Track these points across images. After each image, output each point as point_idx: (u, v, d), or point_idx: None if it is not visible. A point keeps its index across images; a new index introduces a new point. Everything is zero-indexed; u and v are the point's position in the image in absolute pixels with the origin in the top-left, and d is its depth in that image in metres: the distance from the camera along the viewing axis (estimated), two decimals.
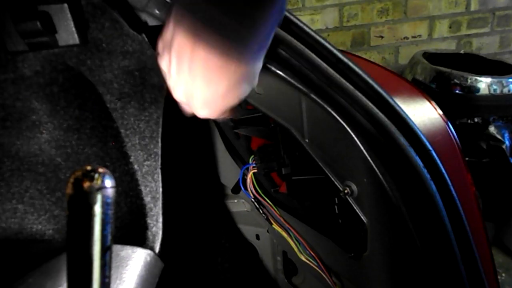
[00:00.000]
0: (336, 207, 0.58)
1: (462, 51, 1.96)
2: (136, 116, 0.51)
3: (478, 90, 1.56)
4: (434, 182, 0.48)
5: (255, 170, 0.64)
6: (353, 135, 0.46)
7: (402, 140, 0.47)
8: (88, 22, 0.47)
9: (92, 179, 0.24)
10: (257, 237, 0.84)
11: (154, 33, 0.49)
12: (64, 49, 0.48)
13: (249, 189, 0.67)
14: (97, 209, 0.25)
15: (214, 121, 0.69)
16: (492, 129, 1.58)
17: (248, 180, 0.66)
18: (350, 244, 0.56)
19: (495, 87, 1.56)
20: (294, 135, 0.53)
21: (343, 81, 0.47)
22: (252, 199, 0.67)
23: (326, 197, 0.59)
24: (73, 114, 0.50)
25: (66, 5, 0.45)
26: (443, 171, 0.49)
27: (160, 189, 0.52)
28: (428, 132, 0.60)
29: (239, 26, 0.36)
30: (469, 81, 1.57)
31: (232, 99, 0.42)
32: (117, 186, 0.49)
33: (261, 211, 0.68)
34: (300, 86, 0.47)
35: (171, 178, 0.55)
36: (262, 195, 0.66)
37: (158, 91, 0.50)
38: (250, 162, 0.65)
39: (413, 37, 2.13)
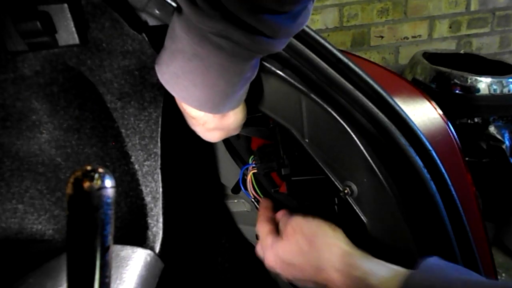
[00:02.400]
0: (336, 207, 0.58)
1: (462, 51, 1.96)
2: (136, 116, 0.51)
3: (478, 90, 1.56)
4: (434, 182, 0.48)
5: (255, 170, 0.64)
6: (353, 135, 0.46)
7: (402, 140, 0.47)
8: (88, 22, 0.47)
9: (92, 179, 0.24)
10: (257, 237, 0.84)
11: (154, 33, 0.49)
12: (64, 49, 0.48)
13: (249, 189, 0.67)
14: (97, 209, 0.25)
15: None
16: (492, 129, 1.58)
17: (248, 180, 0.66)
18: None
19: (495, 87, 1.56)
20: (294, 135, 0.53)
21: (343, 81, 0.47)
22: (252, 199, 0.67)
23: (326, 197, 0.59)
24: (73, 114, 0.50)
25: (66, 5, 0.45)
26: (443, 171, 0.49)
27: (160, 189, 0.52)
28: (428, 132, 0.60)
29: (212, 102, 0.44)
30: (469, 81, 1.57)
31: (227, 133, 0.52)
32: (117, 186, 0.49)
33: None
34: (300, 86, 0.47)
35: (171, 178, 0.55)
36: (261, 195, 0.66)
37: (158, 90, 0.50)
38: (250, 162, 0.65)
39: (413, 37, 2.13)
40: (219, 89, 0.42)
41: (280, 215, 0.59)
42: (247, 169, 0.66)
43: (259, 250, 0.59)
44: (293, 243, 0.51)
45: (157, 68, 0.45)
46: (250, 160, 0.65)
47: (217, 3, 0.33)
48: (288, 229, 0.53)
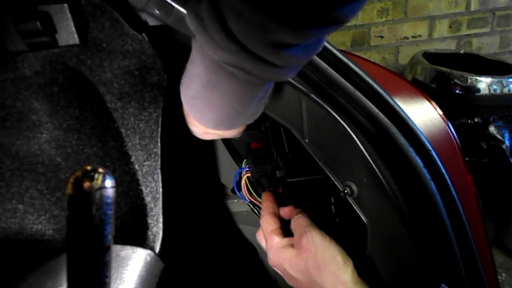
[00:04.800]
0: (332, 206, 0.58)
1: (462, 51, 1.96)
2: (136, 116, 0.51)
3: (478, 90, 1.56)
4: (434, 182, 0.48)
5: (249, 174, 0.64)
6: (353, 135, 0.46)
7: (402, 140, 0.47)
8: (88, 22, 0.47)
9: (92, 179, 0.24)
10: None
11: (154, 33, 0.49)
12: (64, 49, 0.48)
13: (244, 193, 0.66)
14: (97, 209, 0.25)
15: None
16: (492, 129, 1.58)
17: (242, 184, 0.66)
18: (350, 244, 0.56)
19: (495, 87, 1.56)
20: (288, 135, 0.53)
21: (343, 81, 0.47)
22: (248, 203, 0.67)
23: (322, 197, 0.59)
24: (73, 114, 0.50)
25: (66, 5, 0.45)
26: (443, 171, 0.49)
27: (160, 189, 0.52)
28: (428, 132, 0.60)
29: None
30: (469, 81, 1.57)
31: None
32: (117, 186, 0.49)
33: (258, 214, 0.68)
34: (300, 86, 0.47)
35: (171, 178, 0.55)
36: (258, 198, 0.66)
37: (158, 90, 0.50)
38: (243, 166, 0.65)
39: (413, 37, 2.13)
40: (233, 111, 0.44)
41: (287, 213, 0.59)
42: (241, 173, 0.66)
43: (260, 238, 0.59)
44: (302, 260, 0.51)
45: (181, 89, 0.47)
46: (243, 164, 0.65)
47: (231, 36, 0.34)
48: (303, 242, 0.52)
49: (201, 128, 0.49)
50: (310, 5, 0.31)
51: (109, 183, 0.25)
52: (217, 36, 0.34)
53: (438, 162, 0.49)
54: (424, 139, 0.49)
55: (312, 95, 0.47)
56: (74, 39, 0.46)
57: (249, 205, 0.68)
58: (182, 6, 0.45)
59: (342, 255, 0.50)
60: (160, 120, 0.51)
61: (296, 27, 0.32)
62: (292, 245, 0.54)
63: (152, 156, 0.51)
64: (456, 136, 0.64)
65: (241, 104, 0.43)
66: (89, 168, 0.25)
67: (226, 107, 0.43)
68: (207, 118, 0.46)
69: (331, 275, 0.49)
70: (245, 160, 0.65)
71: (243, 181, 0.65)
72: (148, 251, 0.50)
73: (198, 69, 0.41)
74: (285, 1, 0.30)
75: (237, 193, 0.68)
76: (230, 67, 0.37)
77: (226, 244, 0.80)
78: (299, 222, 0.55)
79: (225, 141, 0.72)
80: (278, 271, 0.56)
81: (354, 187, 0.49)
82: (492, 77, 1.56)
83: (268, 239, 0.57)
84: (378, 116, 0.47)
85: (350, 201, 0.50)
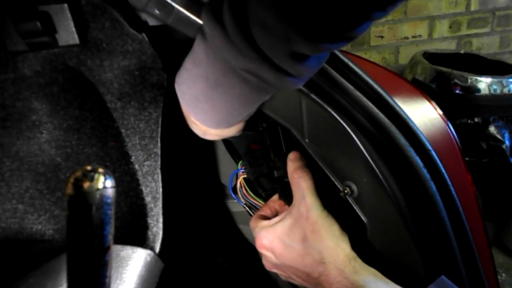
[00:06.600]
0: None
1: (462, 51, 1.96)
2: (136, 116, 0.51)
3: (478, 90, 1.56)
4: (434, 182, 0.48)
5: (245, 175, 0.63)
6: (353, 135, 0.46)
7: (402, 140, 0.47)
8: (88, 22, 0.47)
9: (92, 179, 0.24)
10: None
11: (154, 33, 0.49)
12: (64, 49, 0.48)
13: (239, 195, 0.66)
14: (97, 209, 0.25)
15: None
16: (492, 129, 1.58)
17: (238, 186, 0.66)
18: (350, 244, 0.56)
19: (495, 87, 1.56)
20: (284, 136, 0.53)
21: (343, 81, 0.47)
22: (244, 205, 0.67)
23: (321, 197, 0.59)
24: (73, 114, 0.50)
25: (66, 5, 0.45)
26: (443, 171, 0.49)
27: (160, 189, 0.52)
28: (428, 132, 0.60)
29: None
30: (469, 81, 1.57)
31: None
32: (117, 186, 0.49)
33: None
34: (300, 86, 0.47)
35: (171, 178, 0.55)
36: (257, 198, 0.65)
37: (158, 90, 0.50)
38: (239, 167, 0.64)
39: (413, 37, 2.13)
40: (236, 112, 0.44)
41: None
42: (237, 174, 0.65)
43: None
44: (300, 229, 0.50)
45: (177, 88, 0.46)
46: (239, 165, 0.65)
47: (253, 46, 0.35)
48: (301, 210, 0.51)
49: (202, 128, 0.49)
50: (329, 23, 0.33)
51: (109, 183, 0.25)
52: (240, 44, 0.35)
53: (438, 162, 0.49)
54: (424, 139, 0.49)
55: (312, 95, 0.47)
56: (74, 39, 0.46)
57: (244, 207, 0.68)
58: (196, 12, 0.45)
59: (338, 226, 0.50)
60: (160, 120, 0.51)
61: (314, 40, 0.34)
62: (289, 213, 0.52)
63: (152, 156, 0.51)
64: (456, 136, 0.64)
65: (247, 106, 0.43)
66: (89, 168, 0.25)
67: (231, 109, 0.43)
68: (210, 119, 0.46)
69: (330, 240, 0.48)
70: (240, 162, 0.64)
71: (239, 182, 0.65)
72: (148, 251, 0.50)
73: (205, 70, 0.41)
74: (307, 15, 0.32)
75: (233, 195, 0.68)
76: (245, 73, 0.38)
77: (226, 244, 0.80)
78: (299, 184, 0.52)
79: (225, 140, 0.72)
80: (268, 253, 0.54)
81: (354, 187, 0.49)
82: (492, 77, 1.56)
83: (257, 224, 0.56)
84: (378, 116, 0.47)
85: (350, 201, 0.50)
